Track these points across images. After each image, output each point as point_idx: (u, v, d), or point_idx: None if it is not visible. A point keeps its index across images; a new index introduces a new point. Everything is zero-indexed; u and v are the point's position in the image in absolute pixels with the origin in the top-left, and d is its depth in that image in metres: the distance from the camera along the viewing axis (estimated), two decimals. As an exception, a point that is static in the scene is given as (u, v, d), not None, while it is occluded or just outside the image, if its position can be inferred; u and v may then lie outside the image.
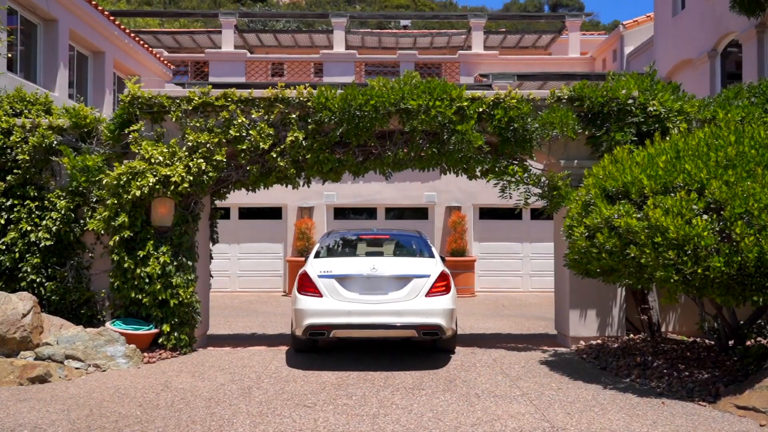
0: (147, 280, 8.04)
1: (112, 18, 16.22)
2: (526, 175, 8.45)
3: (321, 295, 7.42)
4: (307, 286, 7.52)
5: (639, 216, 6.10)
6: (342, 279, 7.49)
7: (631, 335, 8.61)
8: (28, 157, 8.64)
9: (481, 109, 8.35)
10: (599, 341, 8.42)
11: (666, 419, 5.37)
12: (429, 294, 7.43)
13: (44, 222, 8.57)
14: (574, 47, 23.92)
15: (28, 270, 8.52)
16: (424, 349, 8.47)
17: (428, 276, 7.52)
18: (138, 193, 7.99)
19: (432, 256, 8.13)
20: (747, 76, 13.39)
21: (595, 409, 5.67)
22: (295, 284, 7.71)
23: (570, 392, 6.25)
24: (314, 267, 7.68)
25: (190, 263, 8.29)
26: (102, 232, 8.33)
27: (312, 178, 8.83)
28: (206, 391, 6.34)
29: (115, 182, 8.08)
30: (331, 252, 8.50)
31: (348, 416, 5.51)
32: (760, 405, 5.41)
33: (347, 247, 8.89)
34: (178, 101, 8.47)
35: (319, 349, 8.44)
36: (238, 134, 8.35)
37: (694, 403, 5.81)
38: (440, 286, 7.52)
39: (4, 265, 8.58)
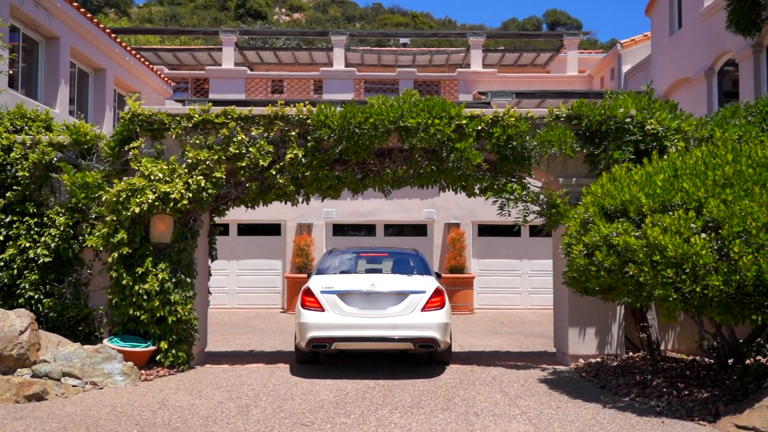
0: (145, 297, 8.03)
1: (113, 35, 16.34)
2: (524, 192, 8.48)
3: (323, 310, 7.83)
4: (310, 301, 7.92)
5: (637, 234, 6.11)
6: (343, 294, 7.86)
7: (631, 353, 8.58)
8: (28, 174, 8.67)
9: (479, 127, 8.40)
10: (598, 359, 8.40)
11: (666, 439, 5.34)
12: (425, 309, 7.85)
13: (43, 238, 8.57)
14: (572, 65, 24.06)
15: (26, 286, 8.51)
16: (421, 365, 8.45)
17: (424, 292, 7.92)
18: (137, 209, 8.00)
19: (428, 273, 8.54)
20: (744, 95, 13.47)
21: (595, 429, 5.63)
22: (299, 299, 8.10)
23: (569, 411, 6.22)
24: (317, 283, 8.06)
25: (188, 280, 8.28)
26: (101, 248, 8.33)
27: (311, 195, 8.88)
28: (204, 409, 6.31)
29: (114, 199, 8.10)
30: (332, 269, 8.79)
31: (346, 435, 5.48)
32: (760, 424, 5.38)
33: (348, 264, 9.17)
34: (178, 118, 8.51)
35: (319, 362, 8.62)
36: (237, 151, 8.39)
37: (693, 423, 5.78)
38: (435, 301, 7.92)
39: (2, 281, 8.57)
